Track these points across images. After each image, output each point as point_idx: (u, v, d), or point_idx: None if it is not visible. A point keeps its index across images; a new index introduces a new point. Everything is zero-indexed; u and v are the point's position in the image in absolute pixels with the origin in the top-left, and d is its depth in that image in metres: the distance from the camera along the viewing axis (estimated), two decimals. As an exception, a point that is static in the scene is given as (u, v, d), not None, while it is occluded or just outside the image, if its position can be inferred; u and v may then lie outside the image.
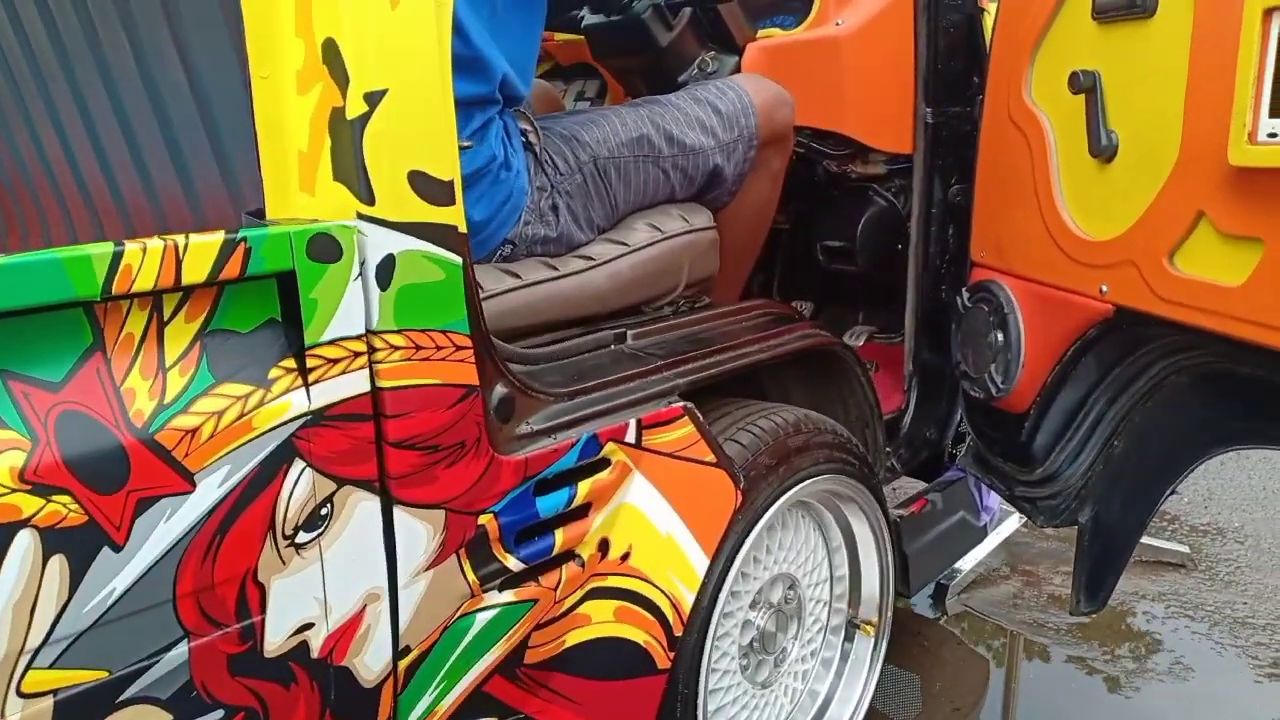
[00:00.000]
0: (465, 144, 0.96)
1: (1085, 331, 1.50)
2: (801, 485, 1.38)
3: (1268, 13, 1.05)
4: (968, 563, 2.29)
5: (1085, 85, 1.39)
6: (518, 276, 1.23)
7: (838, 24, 1.77)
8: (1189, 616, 2.12)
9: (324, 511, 0.86)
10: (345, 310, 0.85)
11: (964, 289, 1.76)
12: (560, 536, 1.09)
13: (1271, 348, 1.13)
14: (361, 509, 0.89)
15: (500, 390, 1.02)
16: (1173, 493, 1.56)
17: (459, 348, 0.94)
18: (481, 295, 1.19)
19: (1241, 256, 1.16)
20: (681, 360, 1.27)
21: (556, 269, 1.28)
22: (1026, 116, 1.56)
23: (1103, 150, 1.38)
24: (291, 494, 0.84)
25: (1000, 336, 1.65)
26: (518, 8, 1.29)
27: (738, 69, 1.82)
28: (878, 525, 1.56)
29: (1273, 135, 1.06)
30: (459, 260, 0.94)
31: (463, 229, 0.94)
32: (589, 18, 1.78)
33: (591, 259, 1.32)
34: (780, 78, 1.83)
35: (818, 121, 1.83)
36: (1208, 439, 1.44)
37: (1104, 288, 1.41)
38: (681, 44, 1.75)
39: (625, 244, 1.36)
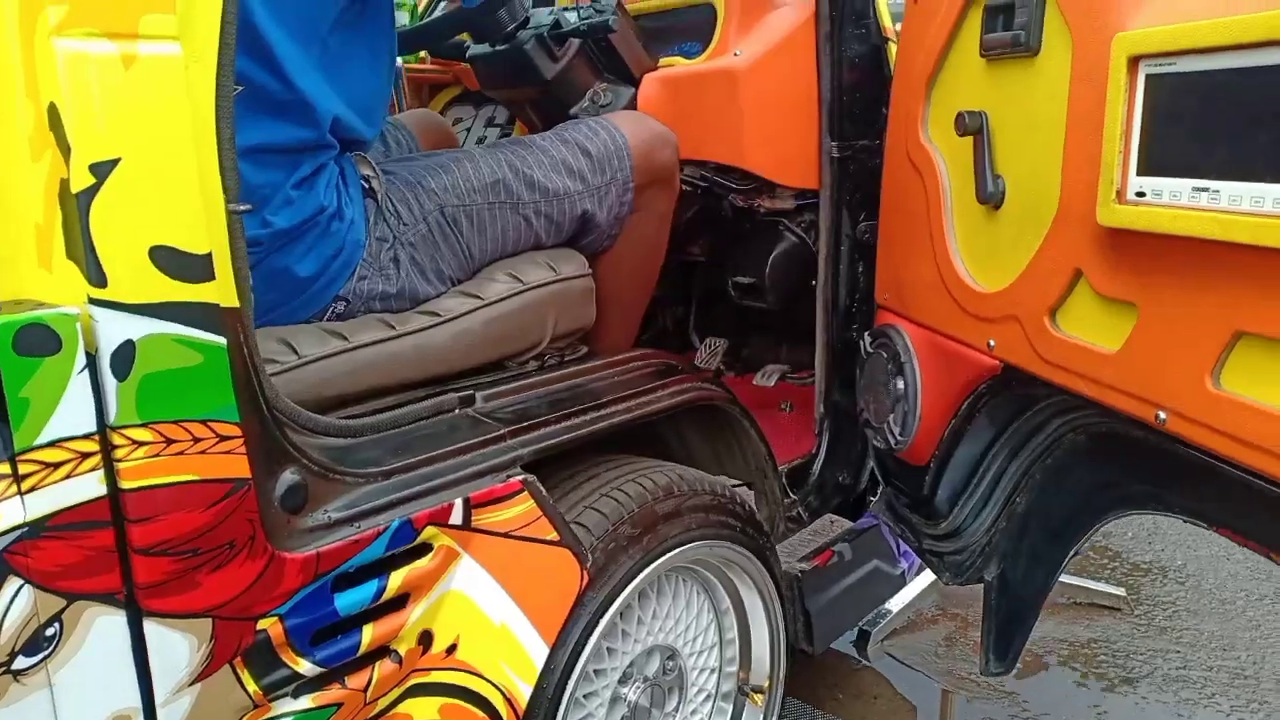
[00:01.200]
0: (242, 208, 0.86)
1: (978, 386, 1.41)
2: (670, 555, 1.29)
3: (1134, 60, 0.97)
4: (896, 604, 2.20)
5: (971, 127, 1.30)
6: (344, 338, 1.14)
7: (736, 55, 1.69)
8: (1118, 667, 2.04)
9: (50, 632, 0.77)
10: (69, 407, 0.76)
11: (867, 333, 1.67)
12: (369, 633, 1.00)
13: (1145, 421, 1.04)
14: (101, 625, 0.80)
15: (290, 478, 0.92)
16: (1077, 554, 1.47)
17: (223, 438, 0.85)
18: (298, 361, 1.10)
19: (1118, 321, 1.07)
20: (530, 426, 1.18)
21: (394, 327, 1.19)
22: (922, 156, 1.47)
23: (989, 197, 1.29)
24: (5, 616, 0.74)
25: (899, 385, 1.56)
26: (355, 44, 1.20)
27: (634, 101, 1.74)
28: (766, 589, 1.47)
29: (1141, 194, 0.98)
30: (222, 341, 0.84)
31: (230, 303, 0.85)
32: (473, 47, 1.69)
33: (437, 315, 1.23)
34: (678, 110, 1.74)
35: (718, 156, 1.75)
36: (1108, 501, 1.35)
37: (991, 342, 1.32)
38: (571, 75, 1.66)
39: (479, 297, 1.27)
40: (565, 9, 1.71)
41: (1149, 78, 0.95)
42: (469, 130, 2.13)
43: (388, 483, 1.02)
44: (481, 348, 1.26)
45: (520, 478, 1.11)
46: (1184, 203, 0.92)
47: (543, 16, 1.63)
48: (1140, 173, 0.97)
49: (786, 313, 1.99)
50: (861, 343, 1.68)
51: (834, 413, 1.82)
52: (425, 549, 1.04)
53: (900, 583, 1.99)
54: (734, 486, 1.44)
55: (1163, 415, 1.01)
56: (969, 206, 1.36)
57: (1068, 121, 1.12)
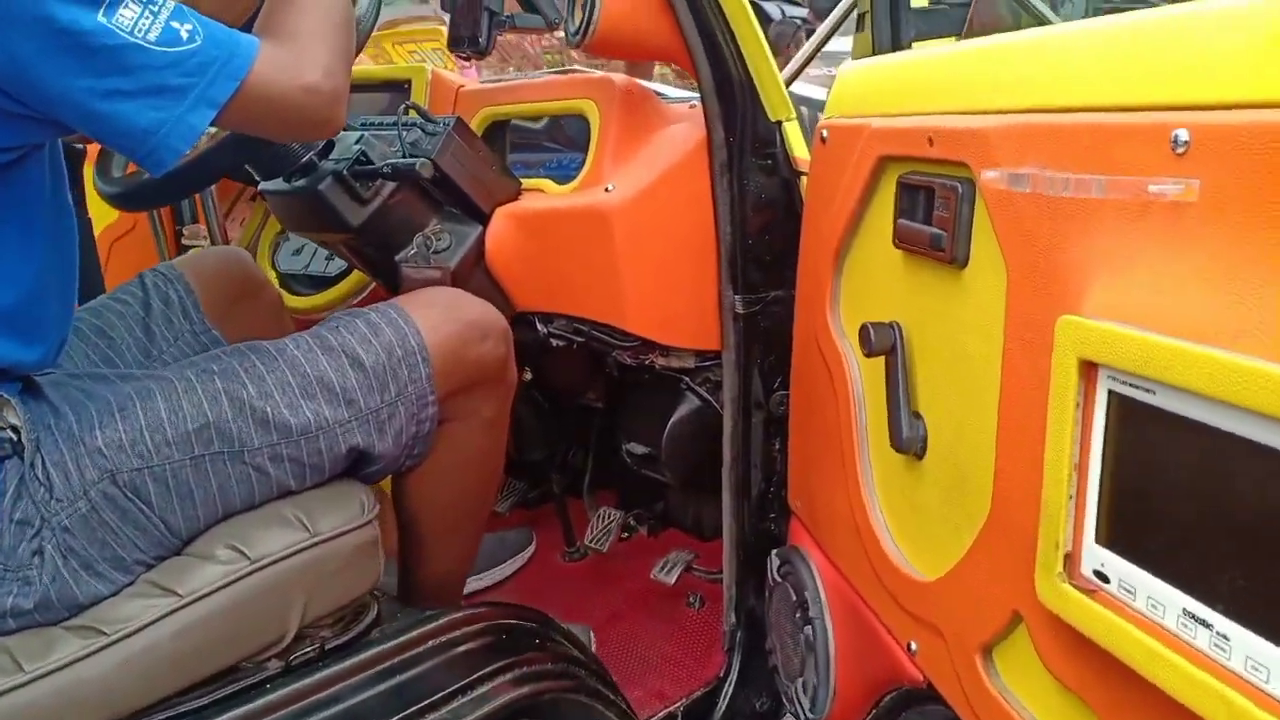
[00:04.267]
0: None
1: (900, 685, 1.03)
2: None
3: (1090, 367, 0.59)
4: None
5: (879, 347, 0.93)
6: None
7: (608, 190, 1.31)
8: None
9: None
10: None
11: (775, 551, 1.29)
12: None
13: None
14: None
15: None
16: None
17: None
18: None
19: (1075, 714, 0.69)
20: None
21: (22, 667, 0.81)
22: (832, 350, 1.10)
23: (906, 444, 0.92)
24: None
25: (809, 635, 1.18)
26: None
27: (480, 242, 1.36)
28: None
29: (1103, 577, 0.59)
30: None
31: None
32: (263, 182, 1.31)
33: (101, 633, 0.85)
34: (538, 253, 1.38)
35: (591, 312, 1.38)
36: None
37: (914, 645, 0.94)
38: (389, 218, 1.29)
39: (175, 593, 0.89)
40: (385, 123, 1.34)
41: (1115, 397, 0.57)
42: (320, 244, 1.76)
43: None
44: (173, 672, 0.88)
45: None
46: (1168, 625, 0.54)
47: (349, 143, 1.25)
48: (1101, 541, 0.59)
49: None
50: (769, 561, 1.30)
51: (748, 623, 1.45)
52: None
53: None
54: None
55: None
56: (887, 441, 0.98)
57: (1002, 386, 0.74)
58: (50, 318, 0.93)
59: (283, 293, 1.67)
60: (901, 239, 0.91)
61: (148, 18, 0.81)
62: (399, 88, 1.65)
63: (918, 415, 0.92)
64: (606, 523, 1.70)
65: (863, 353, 0.94)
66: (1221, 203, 0.52)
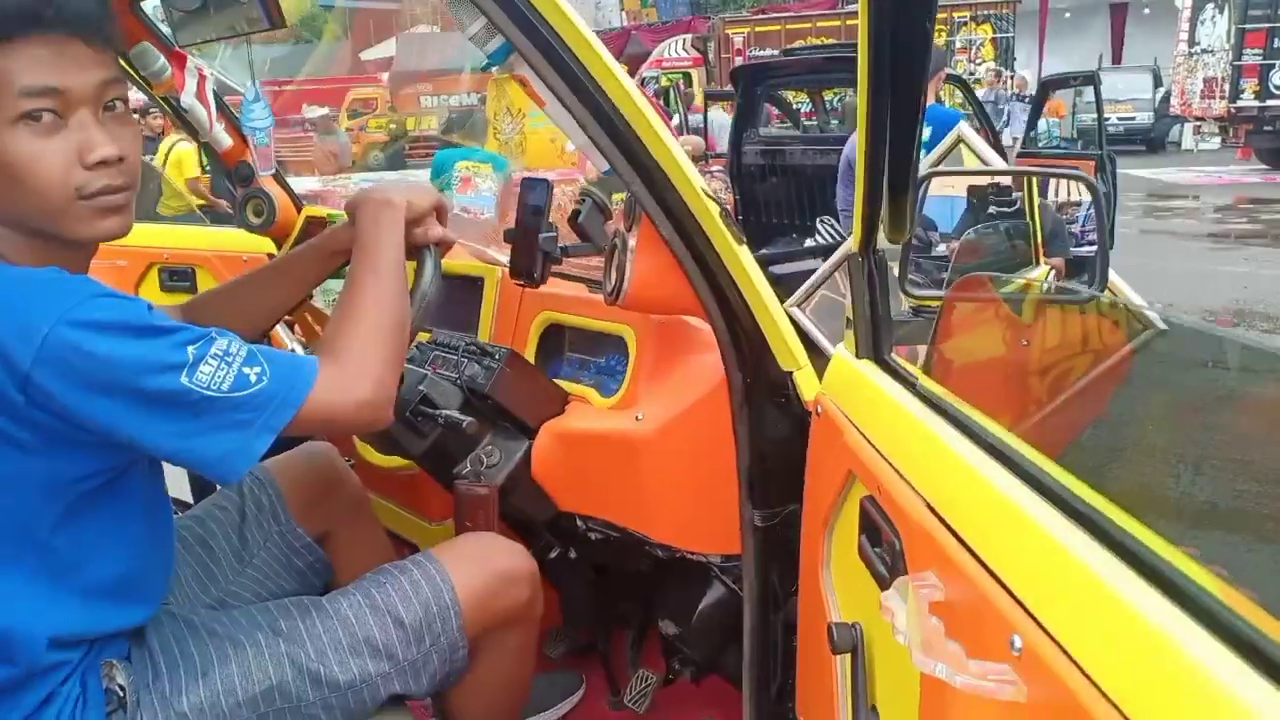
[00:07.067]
0: None
1: None
2: None
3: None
4: None
5: (841, 646, 1.04)
6: None
7: (637, 418, 1.46)
8: None
9: None
10: None
11: (778, 760, 1.41)
12: None
13: None
14: None
15: None
16: None
17: None
18: None
19: None
20: None
21: None
22: (822, 606, 1.21)
23: (864, 738, 1.03)
24: None
25: None
26: (93, 531, 1.02)
27: (527, 455, 1.53)
28: None
29: None
30: None
31: None
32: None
33: None
34: (577, 466, 1.54)
35: (623, 520, 1.53)
36: None
37: None
38: (448, 444, 1.47)
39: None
40: (452, 345, 1.52)
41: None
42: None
43: None
44: None
45: None
46: None
47: (413, 382, 1.43)
48: None
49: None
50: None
51: (767, 800, 1.56)
52: None
53: None
54: None
55: None
56: None
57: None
58: (151, 584, 1.13)
59: (370, 450, 1.87)
60: (861, 555, 1.02)
61: (223, 369, 0.97)
62: (473, 282, 1.84)
63: (874, 709, 1.03)
64: (644, 685, 1.84)
65: (830, 650, 1.06)
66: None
